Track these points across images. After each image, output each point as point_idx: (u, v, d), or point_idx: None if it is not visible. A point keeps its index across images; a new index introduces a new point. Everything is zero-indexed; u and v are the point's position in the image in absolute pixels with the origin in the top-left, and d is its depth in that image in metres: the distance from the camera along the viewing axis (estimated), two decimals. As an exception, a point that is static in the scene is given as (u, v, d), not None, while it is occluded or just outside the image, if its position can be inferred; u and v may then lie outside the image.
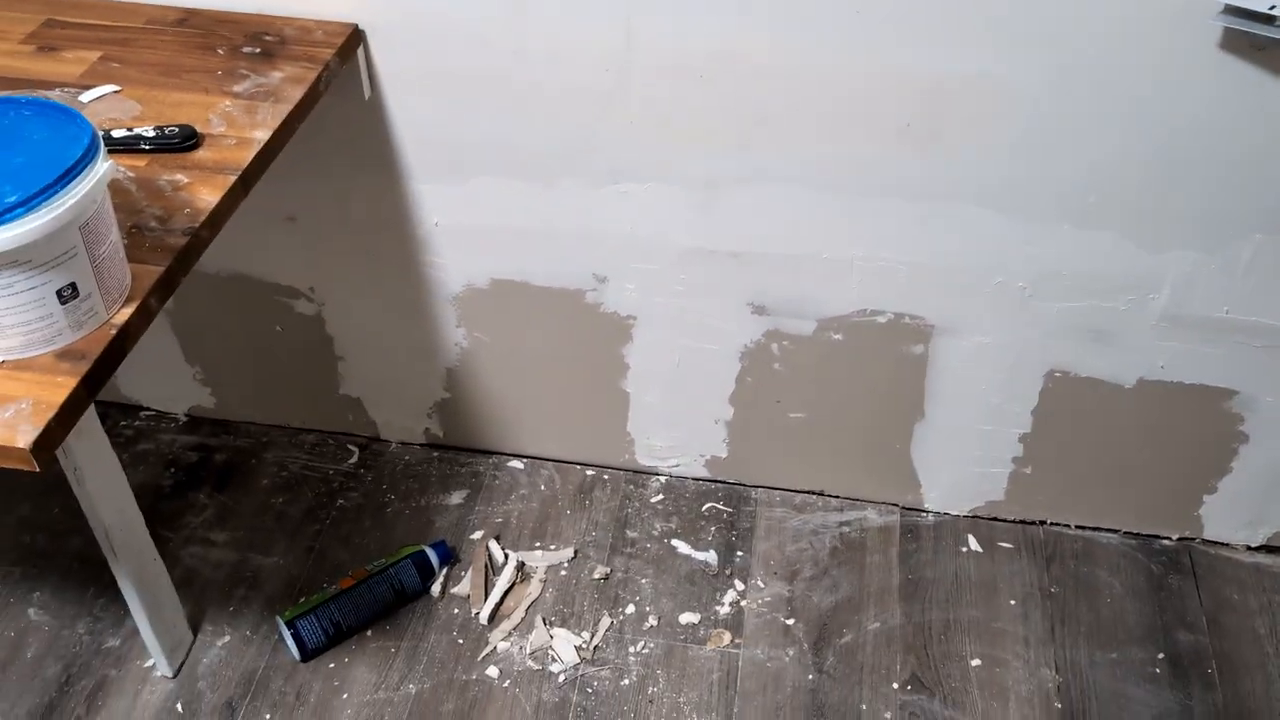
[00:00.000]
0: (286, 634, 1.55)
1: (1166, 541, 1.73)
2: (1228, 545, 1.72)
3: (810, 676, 1.55)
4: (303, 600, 1.59)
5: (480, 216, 1.51)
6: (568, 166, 1.44)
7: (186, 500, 1.77)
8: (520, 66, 1.35)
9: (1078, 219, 1.37)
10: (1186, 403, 1.54)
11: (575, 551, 1.70)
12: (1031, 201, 1.36)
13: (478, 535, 1.72)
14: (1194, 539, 1.73)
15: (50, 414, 0.91)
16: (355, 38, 1.35)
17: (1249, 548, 1.72)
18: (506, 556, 1.69)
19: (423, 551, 1.64)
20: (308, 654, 1.55)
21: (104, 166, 0.97)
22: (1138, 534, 1.73)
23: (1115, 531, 1.74)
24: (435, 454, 1.84)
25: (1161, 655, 1.58)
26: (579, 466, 1.83)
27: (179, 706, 1.50)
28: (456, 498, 1.78)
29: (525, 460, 1.83)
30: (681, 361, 1.65)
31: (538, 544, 1.71)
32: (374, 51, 1.38)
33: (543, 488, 1.79)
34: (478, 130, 1.42)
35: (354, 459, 1.84)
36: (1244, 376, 1.50)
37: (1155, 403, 1.54)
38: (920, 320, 1.52)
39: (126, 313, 1.01)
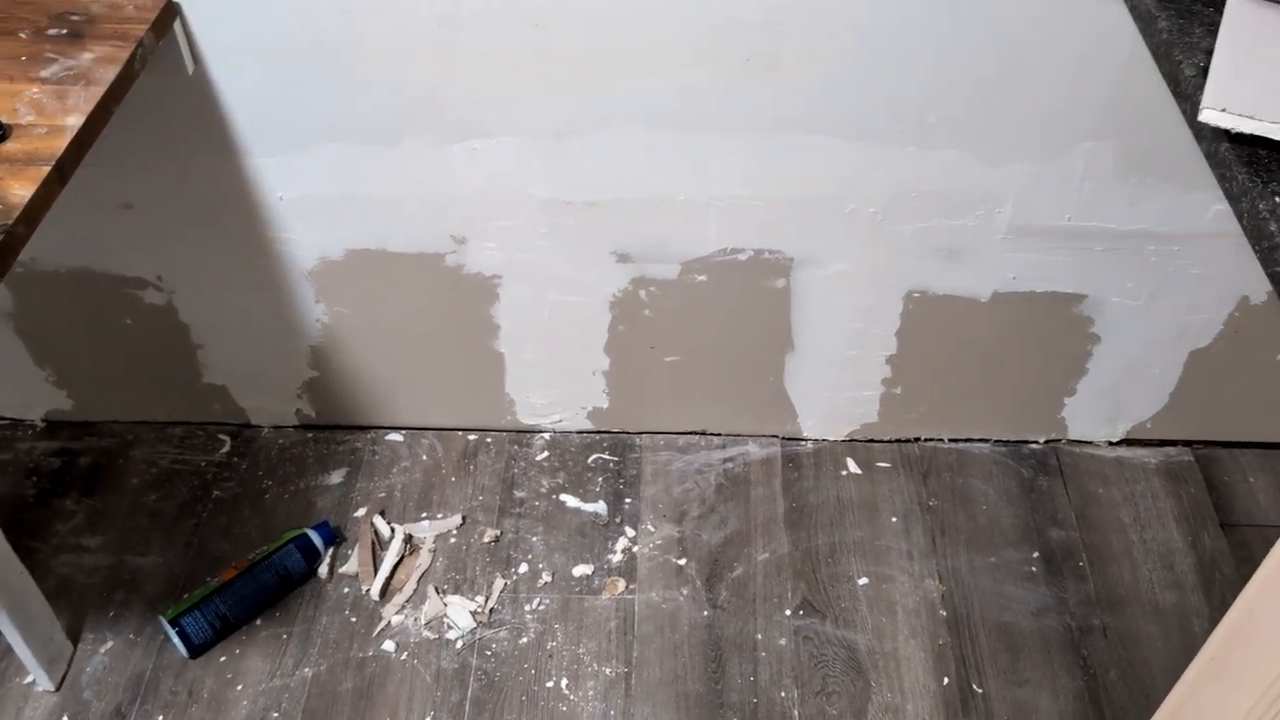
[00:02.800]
0: (171, 632, 1.51)
1: (1034, 445, 1.80)
2: (1091, 443, 1.80)
3: (705, 613, 1.58)
4: (186, 597, 1.55)
5: (327, 186, 1.47)
6: (411, 127, 1.40)
7: (53, 508, 1.70)
8: (348, 27, 1.30)
9: (919, 139, 1.39)
10: (1040, 310, 1.59)
11: (463, 518, 1.69)
12: (873, 126, 1.38)
13: (361, 512, 1.70)
14: (1059, 440, 1.80)
15: None
16: (170, 11, 1.29)
17: (1110, 443, 1.80)
18: (393, 530, 1.67)
19: (306, 534, 1.61)
20: (196, 650, 1.52)
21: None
22: (1007, 441, 1.80)
23: (986, 441, 1.80)
24: (310, 435, 1.80)
25: (1036, 554, 1.65)
26: (460, 432, 1.81)
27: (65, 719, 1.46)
28: (336, 477, 1.75)
29: (404, 432, 1.81)
30: (552, 316, 1.64)
31: (424, 514, 1.70)
32: (192, 24, 1.31)
33: (425, 457, 1.77)
34: (312, 97, 1.37)
35: (226, 448, 1.79)
36: (1090, 280, 1.55)
37: (1011, 313, 1.60)
38: (779, 254, 1.53)
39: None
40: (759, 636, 1.55)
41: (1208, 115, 0.82)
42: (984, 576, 1.63)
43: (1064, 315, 1.60)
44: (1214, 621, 1.55)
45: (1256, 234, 0.80)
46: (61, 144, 1.10)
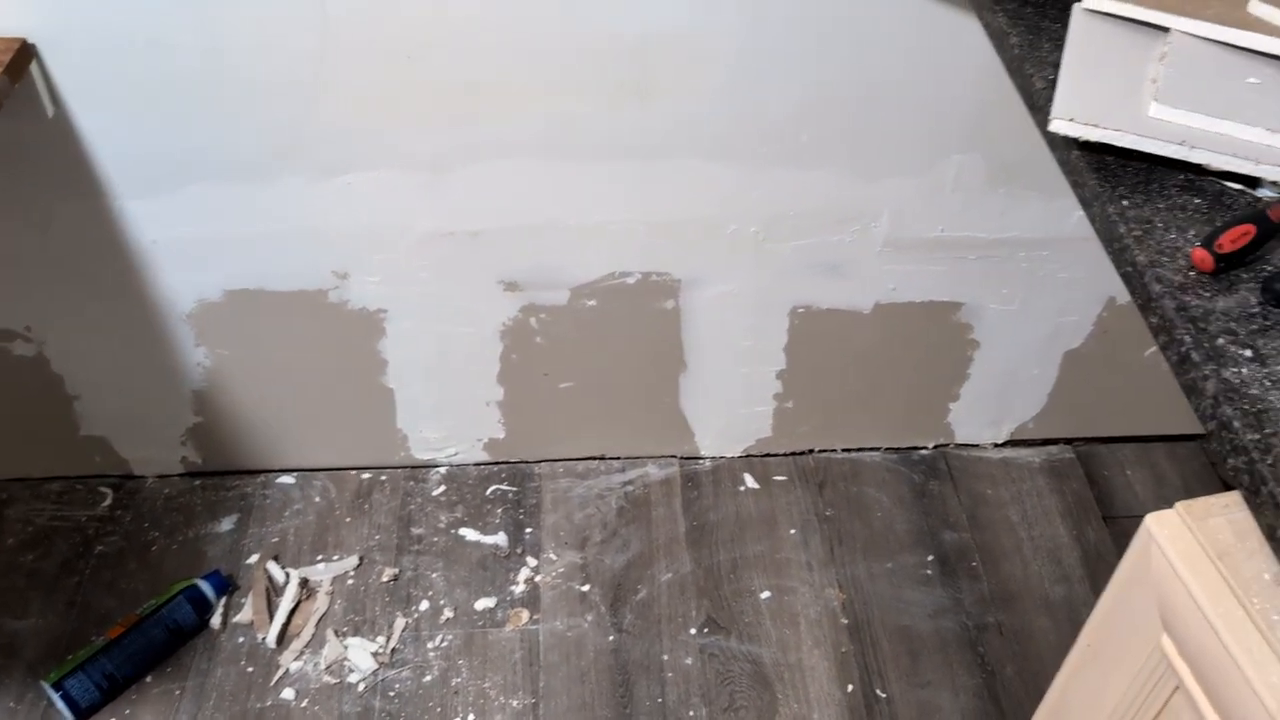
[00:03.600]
0: (55, 697, 1.44)
1: (924, 451, 1.84)
2: (977, 446, 1.85)
3: (611, 638, 1.57)
4: (69, 658, 1.49)
5: (200, 227, 1.43)
6: (285, 164, 1.38)
7: (-80, 576, 1.61)
8: (214, 66, 1.28)
9: (794, 160, 1.42)
10: (921, 320, 1.64)
11: (360, 558, 1.66)
12: (748, 148, 1.41)
13: (254, 558, 1.65)
14: (947, 445, 1.85)
15: None
16: (25, 54, 1.25)
17: (995, 445, 1.85)
18: (288, 575, 1.62)
19: (196, 585, 1.56)
20: (82, 714, 1.45)
21: None
22: (897, 448, 1.84)
23: (877, 449, 1.84)
24: (197, 482, 1.75)
25: (931, 557, 1.69)
26: (353, 471, 1.77)
27: (-60, 800, 1.38)
28: (226, 524, 1.69)
29: (295, 474, 1.76)
30: (441, 349, 1.62)
31: (320, 557, 1.66)
32: (51, 67, 1.27)
33: (317, 499, 1.73)
34: (180, 138, 1.34)
35: (108, 501, 1.72)
36: (966, 288, 1.60)
37: (893, 324, 1.64)
38: (667, 276, 1.55)
39: None
40: (665, 657, 1.55)
41: (1057, 125, 0.85)
42: (882, 582, 1.66)
43: (944, 323, 1.65)
44: (1101, 611, 1.61)
45: (1108, 236, 0.84)
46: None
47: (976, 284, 1.60)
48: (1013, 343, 1.68)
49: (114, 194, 1.39)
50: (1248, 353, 0.72)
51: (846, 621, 1.60)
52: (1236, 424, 0.68)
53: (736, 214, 1.47)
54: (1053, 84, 0.95)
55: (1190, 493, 1.79)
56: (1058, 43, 1.00)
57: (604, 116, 1.36)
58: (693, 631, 1.58)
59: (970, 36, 1.31)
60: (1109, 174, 0.86)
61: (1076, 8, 0.98)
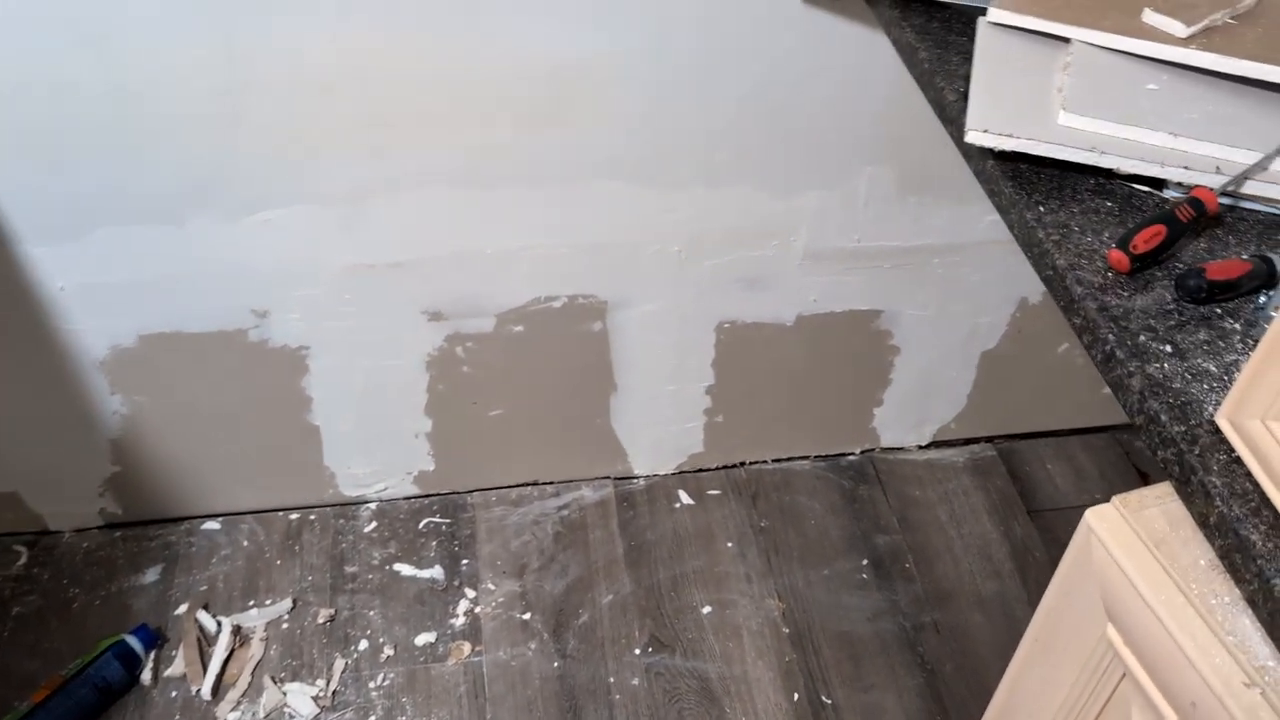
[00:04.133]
0: (-23, 771, 1.38)
1: (851, 457, 1.87)
2: (902, 449, 1.89)
3: (555, 664, 1.56)
4: (-10, 729, 1.43)
5: (111, 272, 1.39)
6: (198, 204, 1.35)
7: None
8: (118, 107, 1.25)
9: (712, 179, 1.44)
10: (842, 329, 1.67)
11: (294, 601, 1.62)
12: (665, 169, 1.42)
13: (183, 609, 1.60)
14: (874, 449, 1.88)
15: None
16: (-83, 99, 1.20)
17: (919, 447, 1.89)
18: (219, 623, 1.58)
19: (123, 641, 1.51)
20: (7, 786, 1.39)
21: None
22: (826, 455, 1.87)
23: (806, 458, 1.86)
24: (118, 534, 1.69)
25: (865, 561, 1.72)
26: (281, 513, 1.74)
27: None
28: (151, 575, 1.64)
29: (221, 519, 1.72)
30: (367, 383, 1.60)
31: (251, 603, 1.62)
32: (-56, 111, 1.23)
33: (245, 543, 1.69)
34: (88, 180, 1.30)
35: (23, 560, 1.65)
36: (883, 296, 1.64)
37: (816, 334, 1.66)
38: (593, 298, 1.55)
39: None
40: (611, 680, 1.55)
41: (973, 136, 0.88)
42: (820, 589, 1.68)
43: (865, 331, 1.68)
44: (1033, 604, 1.65)
45: (1027, 241, 0.87)
46: None
47: (894, 291, 1.64)
48: (931, 346, 1.73)
49: (17, 239, 1.34)
50: (1168, 348, 0.75)
51: (788, 631, 1.62)
52: (1164, 417, 0.71)
53: (658, 234, 1.49)
54: (964, 96, 0.98)
55: (1108, 482, 1.85)
56: (965, 56, 1.03)
57: (522, 143, 1.36)
58: (637, 652, 1.58)
59: (878, 52, 1.35)
60: (1024, 181, 0.90)
61: (981, 21, 1.02)
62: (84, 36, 1.18)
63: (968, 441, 1.90)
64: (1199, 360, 0.74)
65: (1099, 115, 0.88)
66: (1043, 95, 0.92)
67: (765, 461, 1.85)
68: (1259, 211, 0.88)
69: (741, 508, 1.78)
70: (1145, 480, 1.86)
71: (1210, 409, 0.71)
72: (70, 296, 1.41)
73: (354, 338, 1.53)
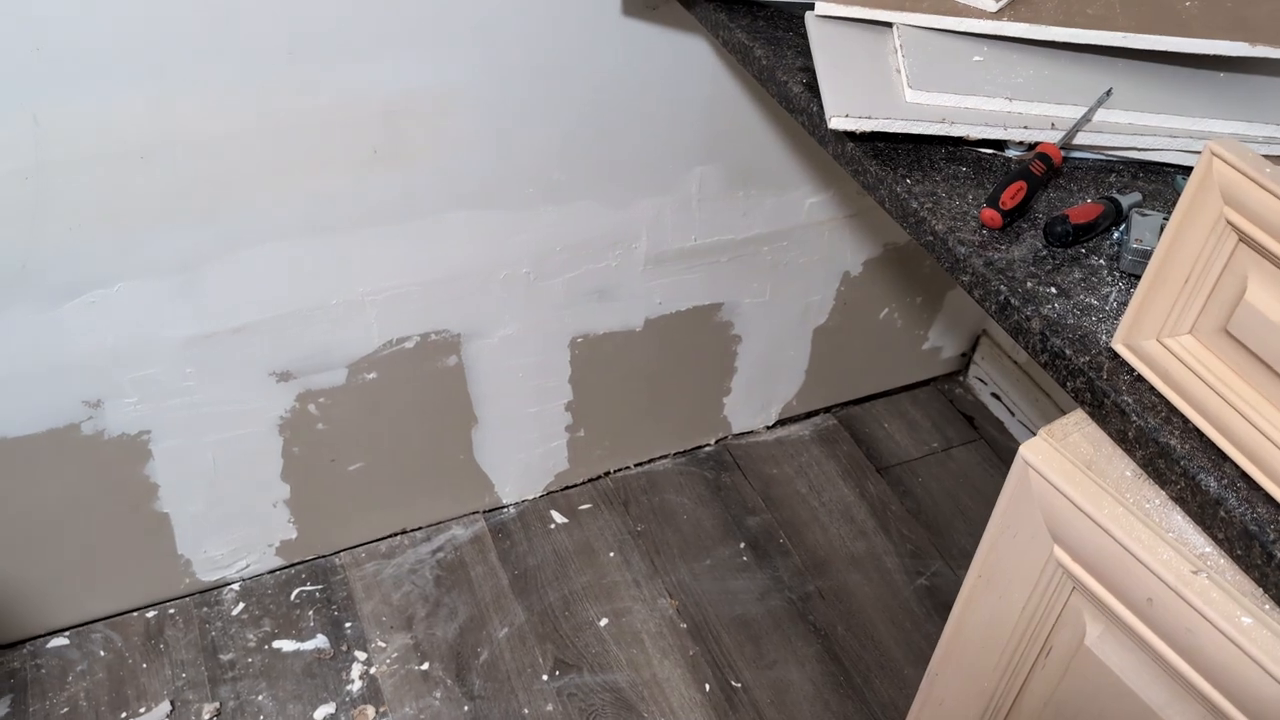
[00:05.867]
0: None
1: (708, 448, 1.93)
2: (753, 432, 1.96)
3: (466, 708, 1.53)
4: None
5: (-83, 385, 1.26)
6: (10, 295, 1.24)
7: None
8: (-88, 201, 1.13)
9: (553, 197, 1.45)
10: (688, 326, 1.72)
11: (171, 703, 1.51)
12: (507, 192, 1.42)
13: (48, 737, 1.46)
14: (726, 437, 1.95)
15: None
16: None
17: (768, 427, 1.97)
18: (93, 744, 1.45)
19: (-14, 787, 1.37)
20: None
21: None
22: (684, 451, 1.91)
23: (666, 456, 1.90)
24: (-47, 672, 1.53)
25: (743, 544, 1.77)
26: (136, 613, 1.61)
27: None
28: (1, 710, 1.49)
29: (69, 633, 1.58)
30: (217, 458, 1.51)
31: (124, 715, 1.50)
32: None
33: (102, 653, 1.56)
34: (-121, 288, 1.17)
35: None
36: (722, 289, 1.70)
37: (664, 335, 1.71)
38: (446, 332, 1.53)
39: None
40: (525, 711, 1.53)
41: (836, 122, 0.94)
42: (706, 580, 1.72)
43: (708, 325, 1.74)
44: (900, 554, 1.76)
45: (902, 213, 0.93)
46: None
47: (731, 283, 1.70)
48: (769, 330, 1.80)
49: None
50: (1053, 290, 0.83)
51: (685, 626, 1.65)
52: (1068, 351, 0.78)
53: (506, 258, 1.48)
54: (809, 87, 1.03)
55: (939, 431, 1.99)
56: (799, 50, 1.10)
57: (360, 184, 1.33)
58: (545, 678, 1.57)
59: (695, 55, 1.40)
60: (885, 159, 0.96)
61: (809, 16, 1.08)
62: None
63: (810, 414, 2.00)
64: (1081, 296, 0.82)
65: (941, 89, 0.95)
66: (886, 78, 0.99)
67: (629, 467, 1.88)
68: (1089, 159, 0.98)
69: (615, 516, 1.80)
70: (971, 422, 2.02)
71: (1104, 338, 0.78)
72: None
73: (198, 413, 1.45)
